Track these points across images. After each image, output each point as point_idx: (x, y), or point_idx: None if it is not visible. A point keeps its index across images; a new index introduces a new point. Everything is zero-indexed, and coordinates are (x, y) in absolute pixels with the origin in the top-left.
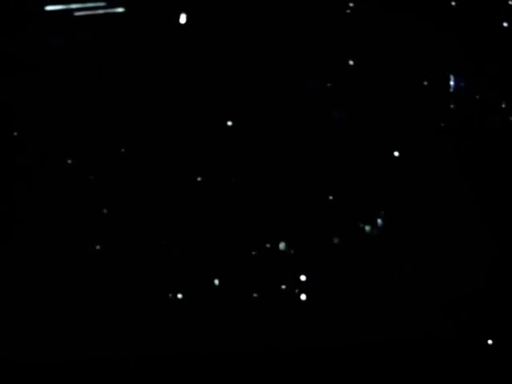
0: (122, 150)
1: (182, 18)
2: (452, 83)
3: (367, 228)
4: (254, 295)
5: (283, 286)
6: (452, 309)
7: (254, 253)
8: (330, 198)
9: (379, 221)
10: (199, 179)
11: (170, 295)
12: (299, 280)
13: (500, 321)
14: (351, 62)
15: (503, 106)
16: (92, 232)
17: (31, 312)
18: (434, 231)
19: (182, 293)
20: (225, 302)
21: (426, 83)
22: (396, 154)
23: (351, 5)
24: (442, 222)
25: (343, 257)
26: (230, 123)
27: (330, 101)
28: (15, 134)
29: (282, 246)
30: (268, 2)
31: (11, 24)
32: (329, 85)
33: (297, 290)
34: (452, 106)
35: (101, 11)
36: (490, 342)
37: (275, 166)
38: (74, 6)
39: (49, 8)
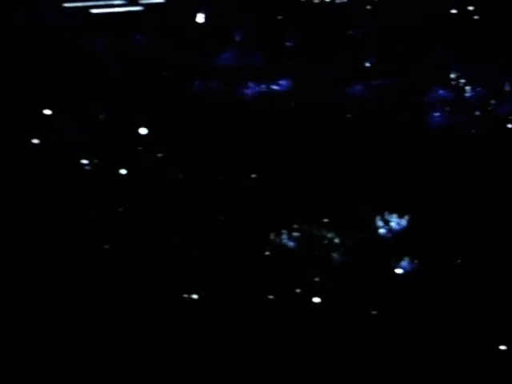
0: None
1: (200, 17)
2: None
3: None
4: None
5: (297, 290)
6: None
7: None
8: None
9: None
10: (211, 180)
11: (184, 296)
12: (311, 283)
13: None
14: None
15: None
16: (96, 234)
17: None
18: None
19: (196, 294)
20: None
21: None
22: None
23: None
24: (451, 227)
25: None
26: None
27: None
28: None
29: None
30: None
31: (26, 20)
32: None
33: (309, 293)
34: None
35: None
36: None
37: (292, 166)
38: (90, 3)
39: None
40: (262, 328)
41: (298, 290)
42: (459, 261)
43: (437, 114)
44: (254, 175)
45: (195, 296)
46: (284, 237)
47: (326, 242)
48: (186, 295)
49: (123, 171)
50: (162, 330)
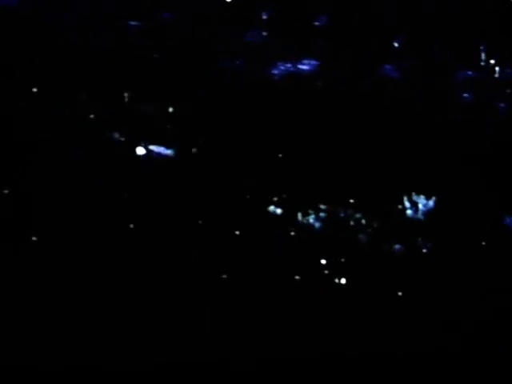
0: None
1: None
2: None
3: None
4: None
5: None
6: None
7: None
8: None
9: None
10: (231, 171)
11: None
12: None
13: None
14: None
15: None
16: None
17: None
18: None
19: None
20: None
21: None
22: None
23: None
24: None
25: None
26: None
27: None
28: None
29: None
30: None
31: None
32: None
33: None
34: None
35: None
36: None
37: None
38: None
39: None
40: (288, 308)
41: (325, 271)
42: (486, 243)
43: (466, 95)
44: (280, 155)
45: (222, 276)
46: (310, 217)
47: (352, 222)
48: (208, 277)
49: (149, 148)
50: (177, 318)
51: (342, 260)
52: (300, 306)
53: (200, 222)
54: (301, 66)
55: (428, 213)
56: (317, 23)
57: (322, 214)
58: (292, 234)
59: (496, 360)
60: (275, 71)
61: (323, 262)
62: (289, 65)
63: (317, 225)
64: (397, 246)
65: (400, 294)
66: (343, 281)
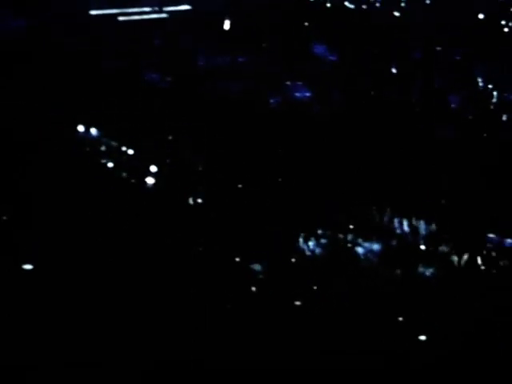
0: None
1: (227, 24)
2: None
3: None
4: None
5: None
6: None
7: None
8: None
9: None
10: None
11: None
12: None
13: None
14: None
15: None
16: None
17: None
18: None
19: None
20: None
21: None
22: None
23: None
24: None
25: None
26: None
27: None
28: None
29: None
30: None
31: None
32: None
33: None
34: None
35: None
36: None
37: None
38: (117, 10)
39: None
40: (288, 333)
41: (325, 296)
42: (489, 265)
43: (470, 117)
44: (280, 179)
45: (224, 300)
46: (311, 243)
47: (352, 248)
48: (216, 300)
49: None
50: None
51: (343, 284)
52: (301, 329)
53: (201, 249)
54: (297, 94)
55: (428, 237)
56: (314, 52)
57: (322, 240)
58: (293, 260)
59: (496, 356)
60: (272, 100)
61: (323, 286)
62: (286, 92)
63: (317, 250)
64: (397, 270)
65: (400, 317)
66: (344, 305)
